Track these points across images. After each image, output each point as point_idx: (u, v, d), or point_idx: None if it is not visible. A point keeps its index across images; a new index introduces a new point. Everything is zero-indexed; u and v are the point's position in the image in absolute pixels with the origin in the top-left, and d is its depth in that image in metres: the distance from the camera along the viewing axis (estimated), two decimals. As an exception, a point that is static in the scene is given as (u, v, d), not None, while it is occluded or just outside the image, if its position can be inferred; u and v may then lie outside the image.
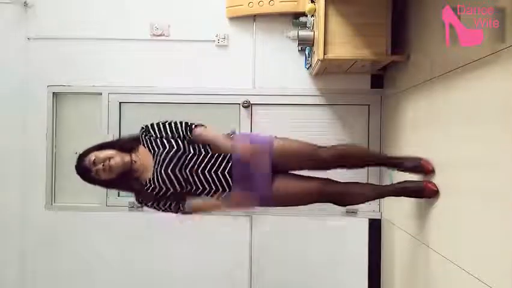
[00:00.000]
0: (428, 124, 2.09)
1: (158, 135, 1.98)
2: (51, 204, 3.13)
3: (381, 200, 2.96)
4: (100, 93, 3.08)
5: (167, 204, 1.97)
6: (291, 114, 3.00)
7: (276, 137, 2.05)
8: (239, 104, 3.01)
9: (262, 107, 3.01)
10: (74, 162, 1.96)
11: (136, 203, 2.09)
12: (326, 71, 2.81)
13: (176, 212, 2.00)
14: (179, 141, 1.95)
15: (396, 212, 2.65)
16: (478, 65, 1.58)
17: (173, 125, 2.00)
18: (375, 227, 2.98)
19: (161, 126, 2.00)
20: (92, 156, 1.88)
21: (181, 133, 1.98)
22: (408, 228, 2.38)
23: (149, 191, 1.92)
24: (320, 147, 2.05)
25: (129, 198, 3.07)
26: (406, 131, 2.44)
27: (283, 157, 1.99)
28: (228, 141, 1.96)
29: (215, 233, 3.04)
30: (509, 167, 1.38)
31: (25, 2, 3.06)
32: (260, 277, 3.03)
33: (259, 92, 3.02)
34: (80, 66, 3.08)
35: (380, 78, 2.95)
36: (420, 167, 2.06)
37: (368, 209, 2.99)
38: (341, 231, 2.99)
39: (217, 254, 3.04)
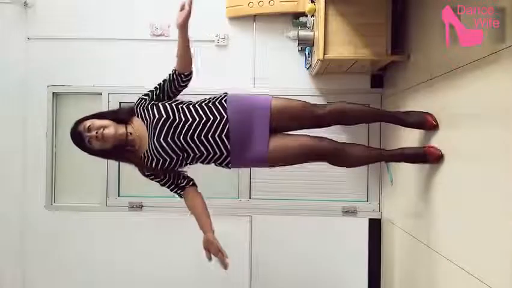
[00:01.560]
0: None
1: (151, 97, 1.99)
2: (51, 204, 3.13)
3: (381, 200, 2.97)
4: (100, 93, 3.08)
5: (168, 185, 1.99)
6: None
7: (272, 96, 2.02)
8: (239, 104, 3.01)
9: (262, 107, 3.01)
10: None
11: (143, 176, 2.03)
12: (326, 71, 2.81)
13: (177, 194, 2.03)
14: (169, 108, 1.91)
15: (396, 212, 2.65)
16: (478, 65, 1.58)
17: (161, 82, 2.02)
18: (375, 227, 2.98)
19: (152, 88, 2.02)
20: (88, 123, 1.85)
21: (169, 78, 2.00)
22: (408, 228, 2.38)
23: (148, 163, 1.90)
24: (317, 104, 2.06)
25: (129, 198, 3.09)
26: (406, 131, 2.43)
27: (281, 115, 1.96)
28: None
29: (215, 233, 3.03)
30: (509, 167, 1.38)
31: (25, 2, 3.06)
32: (260, 277, 3.03)
33: (259, 92, 3.01)
34: (80, 66, 3.08)
35: (380, 78, 2.96)
36: (424, 121, 1.99)
37: (368, 209, 2.99)
38: (341, 231, 2.99)
39: (217, 254, 3.04)
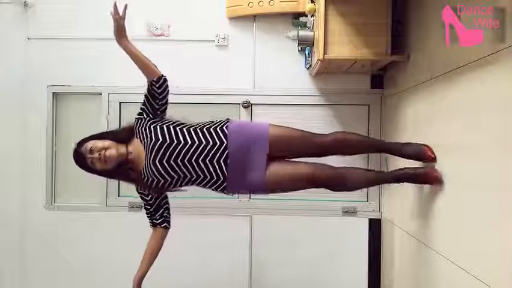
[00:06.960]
0: (428, 124, 2.09)
1: (147, 114, 2.00)
2: (51, 204, 3.13)
3: (381, 200, 2.97)
4: (100, 93, 3.08)
5: (147, 211, 2.08)
6: (291, 115, 2.99)
7: (271, 124, 2.02)
8: (239, 104, 3.02)
9: (262, 107, 3.01)
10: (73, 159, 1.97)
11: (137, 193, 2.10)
12: (326, 71, 2.81)
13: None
14: (166, 131, 1.92)
15: (396, 212, 2.65)
16: (478, 65, 1.58)
17: (144, 98, 2.04)
18: (375, 227, 2.98)
19: (142, 106, 2.03)
20: (90, 144, 1.89)
21: (147, 90, 2.02)
22: (408, 228, 2.38)
23: (144, 181, 1.94)
24: (316, 134, 2.05)
25: (129, 198, 3.08)
26: (406, 131, 2.44)
27: (279, 143, 1.96)
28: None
29: (215, 233, 3.04)
30: (509, 168, 1.38)
31: (25, 2, 3.06)
32: (260, 277, 3.03)
33: (259, 92, 3.02)
34: (80, 66, 3.07)
35: (380, 78, 2.95)
36: (423, 153, 1.99)
37: (368, 209, 2.99)
38: (341, 231, 2.99)
39: (217, 254, 3.04)
